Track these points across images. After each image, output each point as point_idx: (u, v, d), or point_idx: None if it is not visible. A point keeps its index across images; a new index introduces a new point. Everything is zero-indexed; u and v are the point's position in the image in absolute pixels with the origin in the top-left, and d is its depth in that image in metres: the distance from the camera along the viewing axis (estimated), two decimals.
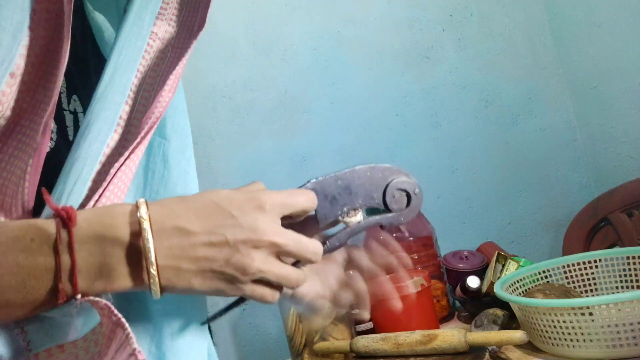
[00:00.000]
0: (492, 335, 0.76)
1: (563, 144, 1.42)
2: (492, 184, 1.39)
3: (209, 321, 0.54)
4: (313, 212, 0.49)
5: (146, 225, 0.39)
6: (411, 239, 1.10)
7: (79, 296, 0.38)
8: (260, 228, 0.41)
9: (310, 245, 0.45)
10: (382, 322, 0.95)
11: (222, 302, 0.51)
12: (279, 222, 0.44)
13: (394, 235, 1.11)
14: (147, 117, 0.50)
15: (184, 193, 0.57)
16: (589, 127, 1.39)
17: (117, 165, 0.47)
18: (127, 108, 0.51)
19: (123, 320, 0.38)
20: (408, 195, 0.51)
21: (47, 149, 0.47)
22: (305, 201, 0.46)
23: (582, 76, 1.37)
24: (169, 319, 0.52)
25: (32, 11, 0.44)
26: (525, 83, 1.41)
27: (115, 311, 0.39)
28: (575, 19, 1.35)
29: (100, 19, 0.60)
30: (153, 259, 0.38)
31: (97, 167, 0.47)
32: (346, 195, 0.49)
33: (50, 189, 0.44)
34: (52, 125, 0.50)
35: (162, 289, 0.40)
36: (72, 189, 0.45)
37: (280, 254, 0.43)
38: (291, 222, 0.47)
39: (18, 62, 0.44)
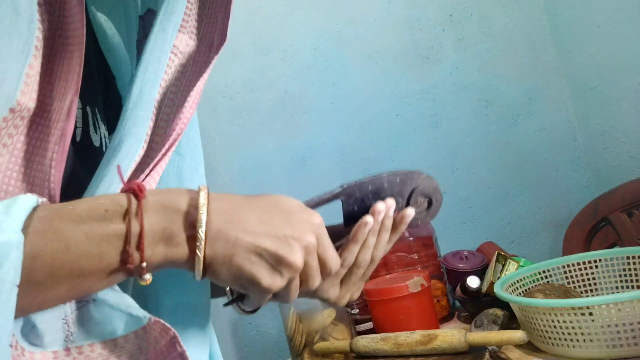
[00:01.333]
0: (492, 335, 0.76)
1: (563, 144, 1.42)
2: (492, 184, 1.39)
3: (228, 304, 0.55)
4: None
5: (203, 197, 0.43)
6: (411, 239, 1.10)
7: (144, 264, 0.41)
8: (306, 232, 0.45)
9: (335, 257, 0.49)
10: (382, 322, 0.95)
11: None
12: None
13: None
14: (168, 133, 0.51)
15: None
16: (589, 127, 1.39)
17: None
18: (150, 124, 0.51)
19: (187, 354, 0.42)
20: (429, 201, 0.54)
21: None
22: (331, 261, 0.48)
23: (582, 76, 1.37)
24: (172, 321, 0.52)
25: (37, 3, 0.45)
26: (525, 83, 1.41)
27: (181, 343, 0.42)
28: (575, 19, 1.35)
29: (102, 20, 0.60)
30: (204, 226, 0.42)
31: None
32: (374, 199, 0.52)
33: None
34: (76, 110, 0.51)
35: (206, 262, 0.43)
36: None
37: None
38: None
39: (34, 53, 0.45)
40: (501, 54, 1.40)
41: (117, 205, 0.41)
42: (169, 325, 0.43)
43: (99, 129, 0.58)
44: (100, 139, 0.58)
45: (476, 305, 0.98)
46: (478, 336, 0.77)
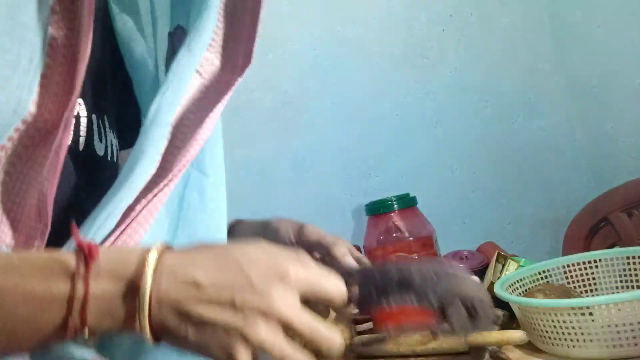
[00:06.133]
0: (492, 335, 0.76)
1: (563, 144, 1.42)
2: (492, 184, 1.39)
3: None
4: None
5: (148, 270, 0.38)
6: (411, 239, 1.10)
7: (86, 332, 0.37)
8: (275, 298, 0.39)
9: (327, 335, 0.41)
10: (382, 322, 0.95)
11: None
12: (298, 299, 0.40)
13: (394, 235, 1.11)
14: (182, 155, 0.49)
15: (216, 230, 0.57)
16: (589, 127, 1.39)
17: (144, 202, 0.47)
18: (165, 143, 0.50)
19: None
20: (473, 312, 0.44)
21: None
22: (334, 292, 0.42)
23: (582, 76, 1.37)
24: None
25: (52, 9, 0.44)
26: (525, 83, 1.41)
27: None
28: (575, 19, 1.35)
29: (123, 19, 0.58)
30: (146, 304, 0.38)
31: (130, 202, 0.47)
32: (400, 291, 0.44)
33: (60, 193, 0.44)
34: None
35: (156, 335, 0.39)
36: (103, 223, 0.45)
37: (289, 333, 0.40)
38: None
39: (49, 62, 0.43)
40: (501, 54, 1.40)
41: (63, 267, 0.38)
42: None
43: (105, 137, 0.56)
44: (106, 147, 0.56)
45: None
46: (478, 336, 0.77)
